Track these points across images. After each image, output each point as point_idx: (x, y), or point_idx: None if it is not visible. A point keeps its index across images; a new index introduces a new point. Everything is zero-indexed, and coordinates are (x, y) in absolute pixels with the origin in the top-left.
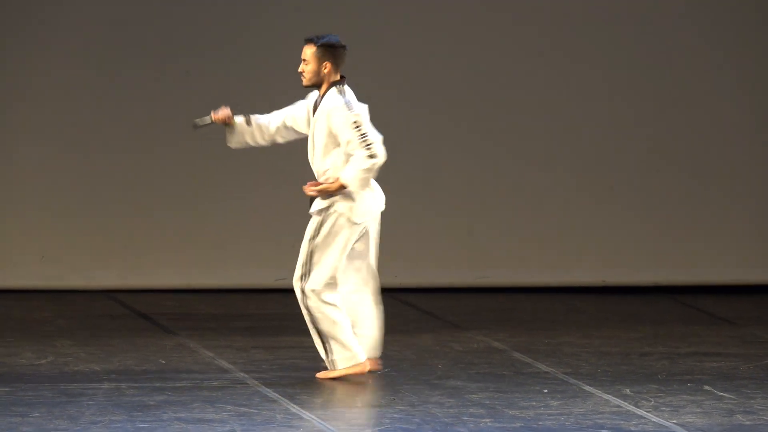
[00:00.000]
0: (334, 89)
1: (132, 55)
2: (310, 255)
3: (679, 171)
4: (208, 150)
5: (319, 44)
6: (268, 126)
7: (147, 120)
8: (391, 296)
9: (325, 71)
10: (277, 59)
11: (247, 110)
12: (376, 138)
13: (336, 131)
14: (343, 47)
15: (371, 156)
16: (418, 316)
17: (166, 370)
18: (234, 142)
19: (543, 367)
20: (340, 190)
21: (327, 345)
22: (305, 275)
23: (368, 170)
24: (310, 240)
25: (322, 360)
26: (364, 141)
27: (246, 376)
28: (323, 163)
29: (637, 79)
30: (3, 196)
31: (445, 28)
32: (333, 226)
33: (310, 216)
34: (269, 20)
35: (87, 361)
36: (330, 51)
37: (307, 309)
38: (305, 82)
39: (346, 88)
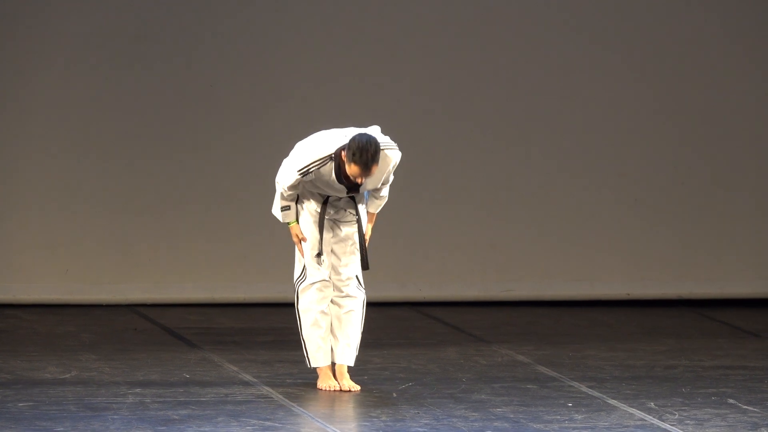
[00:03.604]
0: (385, 152)
1: (158, 68)
2: None
3: (703, 184)
4: (233, 164)
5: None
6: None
7: (172, 135)
8: (415, 310)
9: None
10: (300, 70)
11: (272, 121)
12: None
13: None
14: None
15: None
16: (442, 329)
17: (191, 384)
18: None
19: (567, 381)
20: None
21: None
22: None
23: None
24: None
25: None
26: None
27: (270, 390)
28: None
29: (662, 92)
30: (27, 211)
31: (476, 37)
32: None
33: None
34: (293, 34)
35: (111, 375)
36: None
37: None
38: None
39: None
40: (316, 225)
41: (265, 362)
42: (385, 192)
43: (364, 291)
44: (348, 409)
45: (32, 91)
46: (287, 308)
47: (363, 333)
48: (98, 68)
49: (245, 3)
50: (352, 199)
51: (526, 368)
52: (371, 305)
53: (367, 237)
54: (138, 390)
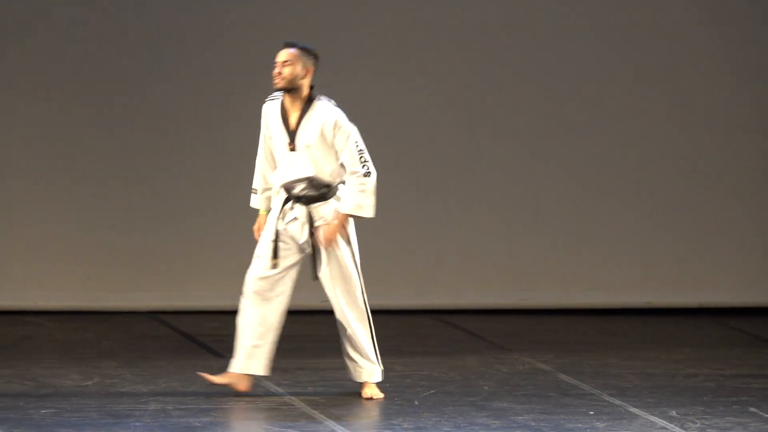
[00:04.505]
0: (325, 100)
1: (174, 75)
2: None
3: (721, 193)
4: (252, 172)
5: (302, 47)
6: (269, 172)
7: (191, 143)
8: (436, 318)
9: (306, 76)
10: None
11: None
12: (370, 162)
13: (335, 144)
14: (319, 59)
15: (367, 174)
16: (463, 337)
17: (212, 391)
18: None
19: (588, 389)
20: (342, 225)
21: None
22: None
23: (365, 192)
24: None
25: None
26: (362, 158)
27: (292, 397)
28: (313, 173)
29: (678, 102)
30: (47, 218)
31: (499, 45)
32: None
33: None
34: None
35: (133, 383)
36: (312, 57)
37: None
38: (282, 83)
39: (330, 99)
40: (272, 243)
41: (285, 369)
42: (352, 167)
43: (361, 307)
44: (370, 417)
45: (52, 95)
46: (307, 315)
47: (379, 341)
48: (112, 73)
49: (250, 9)
50: (305, 203)
51: (547, 376)
52: (390, 313)
53: (323, 239)
54: (160, 397)
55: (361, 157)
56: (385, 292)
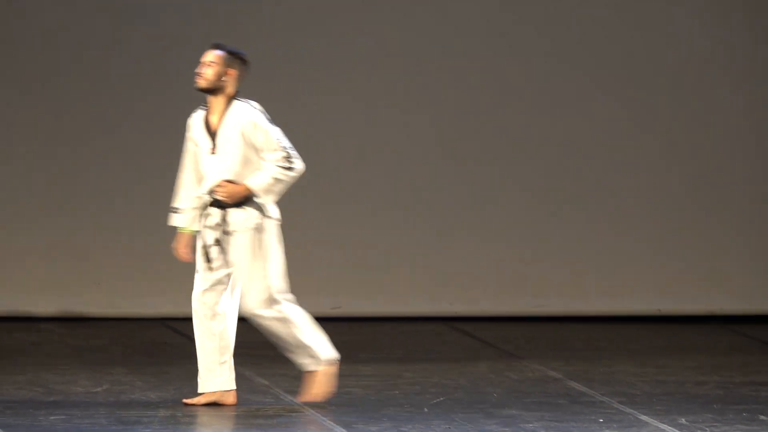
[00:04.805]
0: (241, 102)
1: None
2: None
3: (733, 200)
4: None
5: (229, 50)
6: (195, 189)
7: None
8: (446, 324)
9: (227, 79)
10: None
11: (308, 137)
12: (295, 152)
13: (255, 143)
14: (248, 64)
15: (289, 169)
16: (473, 344)
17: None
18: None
19: (598, 396)
20: (244, 195)
21: (312, 350)
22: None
23: (280, 182)
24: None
25: (379, 387)
26: (285, 153)
27: (301, 404)
28: (235, 176)
29: (689, 109)
30: (58, 223)
31: (515, 54)
32: (271, 234)
33: (227, 234)
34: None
35: (143, 389)
36: (238, 61)
37: (292, 320)
38: (203, 84)
39: (252, 101)
40: (202, 249)
41: (296, 376)
42: (270, 157)
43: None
44: (380, 424)
45: (70, 97)
46: (319, 322)
47: (389, 347)
48: (122, 76)
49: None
50: (221, 207)
51: (557, 383)
52: (403, 320)
53: (224, 192)
54: (170, 404)
55: (284, 150)
56: (397, 299)
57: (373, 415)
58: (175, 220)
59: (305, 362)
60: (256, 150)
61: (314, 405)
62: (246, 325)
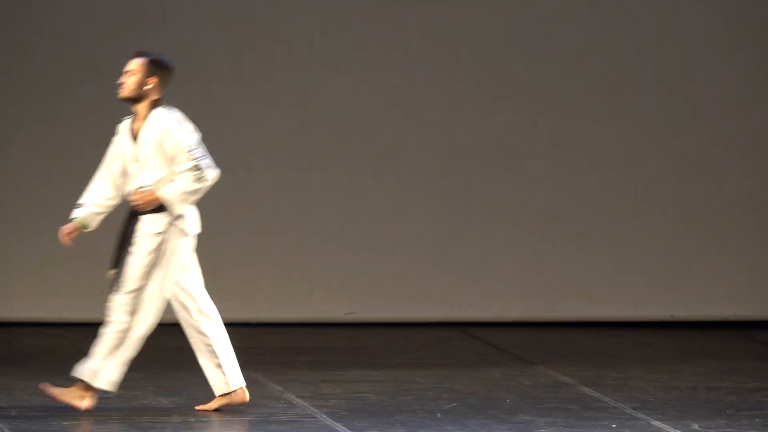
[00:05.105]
0: (161, 109)
1: (199, 85)
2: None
3: (747, 206)
4: (279, 185)
5: (150, 58)
6: (106, 190)
7: (219, 153)
8: (459, 330)
9: (149, 86)
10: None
11: (317, 140)
12: (206, 161)
13: (168, 151)
14: (171, 70)
15: (199, 179)
16: (486, 349)
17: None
18: (96, 225)
19: (611, 402)
20: (155, 204)
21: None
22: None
23: (192, 192)
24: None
25: (392, 392)
26: (195, 163)
27: (314, 410)
28: (156, 183)
29: (707, 112)
30: None
31: (536, 56)
32: (176, 245)
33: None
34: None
35: (156, 395)
36: (159, 68)
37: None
38: (124, 92)
39: (174, 109)
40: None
41: (308, 381)
42: (179, 168)
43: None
44: (393, 430)
45: (90, 101)
46: (331, 328)
47: (403, 353)
48: None
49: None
50: (134, 214)
51: (569, 389)
52: (415, 326)
53: (144, 194)
54: (183, 409)
55: (195, 160)
56: (410, 304)
57: (386, 421)
58: (74, 213)
59: (89, 372)
60: (169, 159)
61: (327, 410)
62: (258, 329)
